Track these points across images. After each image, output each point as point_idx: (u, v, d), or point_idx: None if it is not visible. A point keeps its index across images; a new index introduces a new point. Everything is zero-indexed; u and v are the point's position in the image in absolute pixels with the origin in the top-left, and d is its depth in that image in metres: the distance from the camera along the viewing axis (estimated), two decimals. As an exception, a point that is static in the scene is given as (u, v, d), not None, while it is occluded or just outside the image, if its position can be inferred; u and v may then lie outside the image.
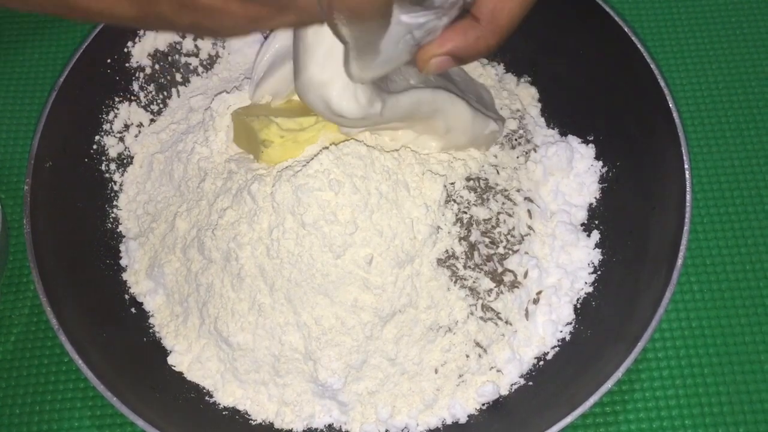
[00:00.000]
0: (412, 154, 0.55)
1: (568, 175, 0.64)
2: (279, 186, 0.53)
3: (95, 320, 0.57)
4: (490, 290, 0.56)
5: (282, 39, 0.55)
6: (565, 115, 0.67)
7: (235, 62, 0.69)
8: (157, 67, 0.68)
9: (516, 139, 0.63)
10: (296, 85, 0.49)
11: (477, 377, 0.56)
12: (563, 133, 0.66)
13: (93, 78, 0.64)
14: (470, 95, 0.59)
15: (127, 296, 0.60)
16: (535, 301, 0.58)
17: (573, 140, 0.65)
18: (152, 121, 0.67)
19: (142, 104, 0.67)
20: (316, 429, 0.56)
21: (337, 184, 0.52)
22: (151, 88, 0.68)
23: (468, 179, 0.57)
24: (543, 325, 0.58)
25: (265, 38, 0.59)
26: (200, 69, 0.69)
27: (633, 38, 0.61)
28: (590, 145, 0.65)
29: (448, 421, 0.56)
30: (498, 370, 0.57)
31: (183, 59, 0.69)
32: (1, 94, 0.72)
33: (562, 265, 0.60)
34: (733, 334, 0.62)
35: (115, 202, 0.64)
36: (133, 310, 0.60)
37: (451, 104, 0.54)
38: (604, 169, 0.64)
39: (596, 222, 0.63)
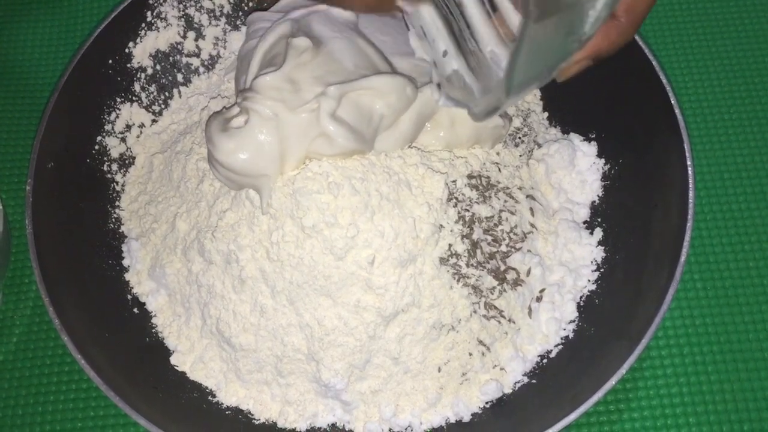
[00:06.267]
0: (413, 152, 0.55)
1: (570, 172, 0.64)
2: (276, 189, 0.53)
3: (97, 320, 0.57)
4: (493, 288, 0.56)
5: (271, 39, 0.55)
6: (567, 112, 0.67)
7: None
8: (158, 67, 0.68)
9: (520, 138, 0.63)
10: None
11: (480, 375, 0.56)
12: (565, 131, 0.66)
13: (95, 78, 0.64)
14: None
15: (129, 296, 0.60)
16: (538, 299, 0.58)
17: (575, 138, 0.65)
18: (154, 121, 0.67)
19: (144, 105, 0.67)
20: (319, 428, 0.56)
21: (336, 187, 0.52)
22: (153, 88, 0.68)
23: (470, 177, 0.57)
24: (546, 323, 0.58)
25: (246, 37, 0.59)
26: (201, 69, 0.69)
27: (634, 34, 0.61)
28: (592, 142, 0.65)
29: (452, 420, 0.56)
30: (501, 368, 0.57)
31: (184, 60, 0.69)
32: (2, 94, 0.72)
33: (564, 262, 0.60)
34: (737, 330, 0.61)
35: (117, 203, 0.64)
36: (135, 310, 0.60)
37: None
38: (607, 167, 0.64)
39: (599, 219, 0.63)
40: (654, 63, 0.60)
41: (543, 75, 0.44)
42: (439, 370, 0.55)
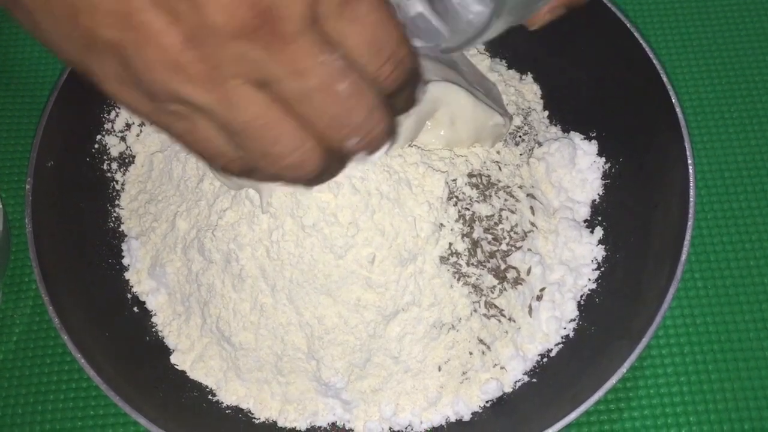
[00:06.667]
0: (414, 151, 0.55)
1: (570, 171, 0.63)
2: (276, 188, 0.52)
3: (97, 319, 0.57)
4: (494, 287, 0.56)
5: None
6: (567, 111, 0.66)
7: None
8: (158, 65, 0.67)
9: (520, 136, 0.63)
10: None
11: (480, 374, 0.56)
12: (566, 130, 0.66)
13: (94, 77, 0.64)
14: (478, 87, 0.59)
15: (129, 295, 0.60)
16: (539, 298, 0.58)
17: (575, 137, 0.65)
18: (154, 120, 0.67)
19: (144, 103, 0.67)
20: (319, 427, 0.56)
21: (336, 186, 0.52)
22: (153, 86, 0.67)
23: (470, 176, 0.57)
24: (546, 322, 0.58)
25: None
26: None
27: (635, 33, 0.61)
28: (593, 141, 0.65)
29: (452, 419, 0.56)
30: (502, 368, 0.57)
31: (184, 58, 0.68)
32: (1, 92, 0.72)
33: (565, 261, 0.60)
34: (738, 330, 0.61)
35: (117, 202, 0.64)
36: (135, 309, 0.60)
37: (452, 94, 0.55)
38: (607, 166, 0.64)
39: (599, 218, 0.63)
40: (654, 61, 0.60)
41: (529, 6, 0.44)
42: (440, 369, 0.55)
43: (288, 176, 0.33)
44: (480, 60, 0.67)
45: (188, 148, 0.34)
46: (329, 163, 0.33)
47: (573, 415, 0.50)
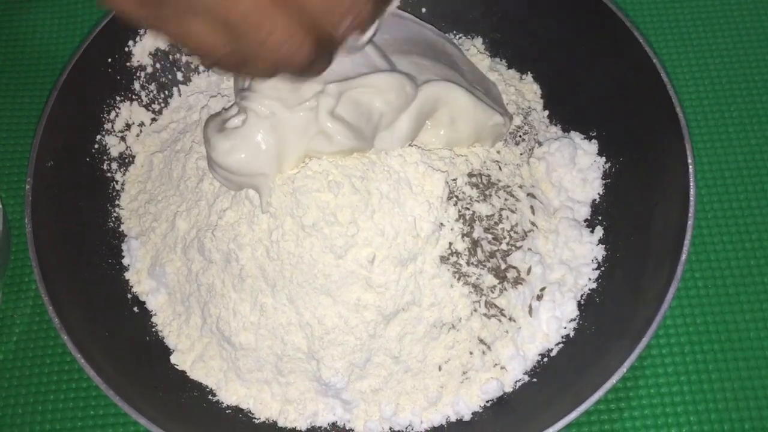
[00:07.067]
0: (414, 150, 0.55)
1: (571, 171, 0.63)
2: (276, 188, 0.52)
3: (97, 319, 0.57)
4: (494, 287, 0.56)
5: None
6: (567, 111, 0.66)
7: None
8: (158, 66, 0.68)
9: (520, 136, 0.63)
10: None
11: (481, 374, 0.56)
12: (566, 129, 0.66)
13: (94, 77, 0.64)
14: (478, 87, 0.59)
15: (129, 295, 0.60)
16: (539, 298, 0.58)
17: (576, 136, 0.65)
18: (154, 120, 0.67)
19: (144, 103, 0.67)
20: (319, 427, 0.56)
21: (336, 186, 0.52)
22: (153, 87, 0.67)
23: (470, 175, 0.57)
24: (547, 322, 0.58)
25: None
26: (201, 68, 0.69)
27: (635, 33, 0.61)
28: (593, 141, 0.65)
29: (452, 419, 0.56)
30: (502, 367, 0.57)
31: (184, 58, 0.69)
32: (2, 93, 0.72)
33: (565, 261, 0.60)
34: (738, 329, 0.61)
35: (117, 201, 0.64)
36: (135, 309, 0.60)
37: (452, 93, 0.55)
38: (607, 165, 0.64)
39: (599, 218, 0.63)
40: (654, 61, 0.60)
41: None
42: (440, 368, 0.55)
43: (281, 66, 0.36)
44: (480, 60, 0.67)
45: (184, 47, 0.36)
46: (319, 52, 0.36)
47: (573, 415, 0.50)
